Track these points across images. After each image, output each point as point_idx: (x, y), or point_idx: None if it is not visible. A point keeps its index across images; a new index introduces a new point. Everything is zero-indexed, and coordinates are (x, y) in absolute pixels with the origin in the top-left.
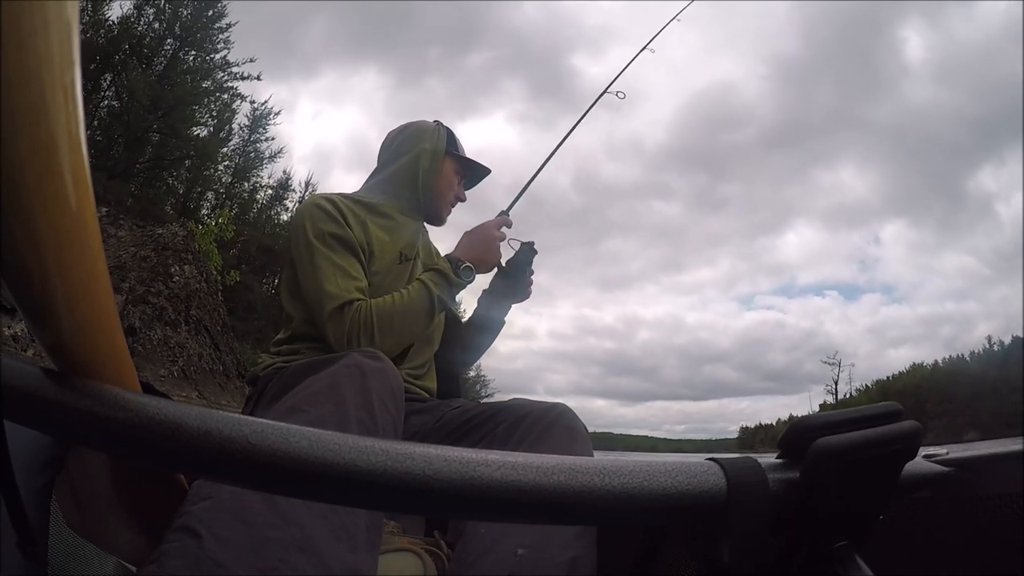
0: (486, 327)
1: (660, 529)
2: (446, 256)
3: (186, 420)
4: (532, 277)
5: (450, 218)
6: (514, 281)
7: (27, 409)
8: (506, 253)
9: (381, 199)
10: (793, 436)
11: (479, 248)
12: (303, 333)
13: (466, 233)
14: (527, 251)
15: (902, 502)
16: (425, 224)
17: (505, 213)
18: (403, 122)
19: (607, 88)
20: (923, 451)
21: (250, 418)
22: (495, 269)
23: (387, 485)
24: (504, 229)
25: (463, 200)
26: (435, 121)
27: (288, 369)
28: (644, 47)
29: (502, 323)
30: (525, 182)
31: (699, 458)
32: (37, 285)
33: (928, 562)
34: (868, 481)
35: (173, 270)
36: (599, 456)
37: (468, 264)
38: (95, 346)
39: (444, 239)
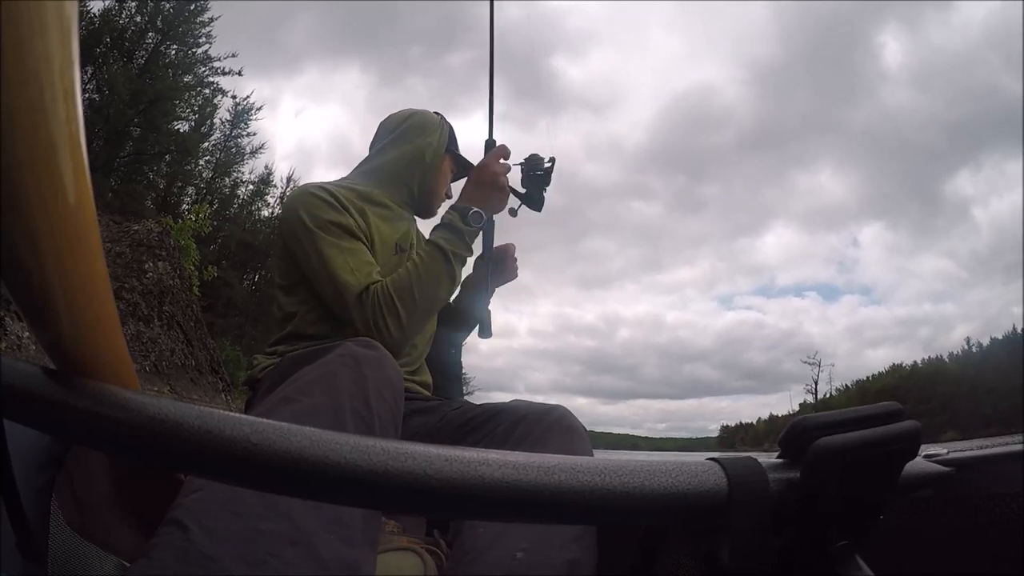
0: (467, 321)
1: (660, 530)
2: (452, 206)
3: (186, 420)
4: (516, 261)
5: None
6: (534, 195)
7: (27, 409)
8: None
9: (375, 187)
10: (793, 436)
11: (486, 187)
12: (305, 332)
13: (468, 179)
14: (535, 162)
15: (902, 502)
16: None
17: (493, 143)
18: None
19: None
20: (923, 451)
21: (251, 418)
22: (507, 204)
23: (388, 485)
24: (503, 162)
25: (451, 198)
26: (437, 113)
27: (283, 361)
28: None
29: (484, 315)
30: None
31: (699, 457)
32: (37, 285)
33: (928, 562)
34: (868, 481)
35: (147, 266)
36: (599, 456)
37: (476, 209)
38: (95, 346)
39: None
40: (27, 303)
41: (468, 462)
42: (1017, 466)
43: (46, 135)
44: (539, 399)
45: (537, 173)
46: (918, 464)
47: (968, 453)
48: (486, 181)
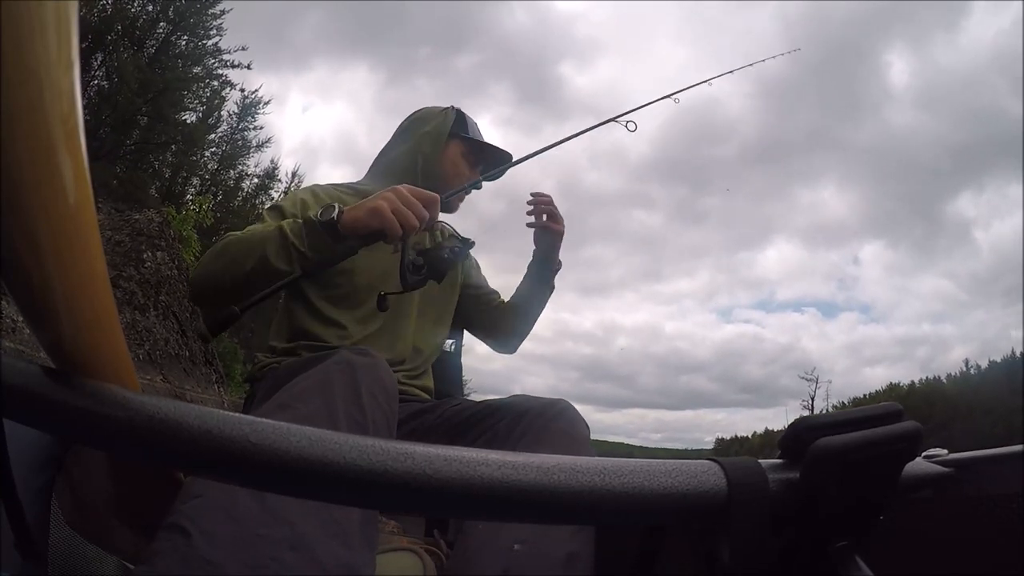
0: (524, 308)
1: (659, 529)
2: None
3: (186, 419)
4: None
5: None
6: (435, 271)
7: (27, 408)
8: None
9: (380, 185)
10: (793, 436)
11: (364, 205)
12: (303, 327)
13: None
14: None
15: (902, 502)
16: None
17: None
18: (391, 119)
19: (618, 116)
20: (923, 452)
21: (251, 417)
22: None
23: (388, 485)
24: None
25: (478, 187)
26: (449, 106)
27: (280, 368)
28: (670, 95)
29: (542, 299)
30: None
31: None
32: (37, 285)
33: (928, 562)
34: (868, 481)
35: (145, 256)
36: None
37: (340, 212)
38: (95, 345)
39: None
40: (27, 303)
41: (467, 462)
42: (1017, 466)
43: (46, 136)
44: (559, 397)
45: (443, 253)
46: (918, 465)
47: (968, 454)
48: (373, 200)
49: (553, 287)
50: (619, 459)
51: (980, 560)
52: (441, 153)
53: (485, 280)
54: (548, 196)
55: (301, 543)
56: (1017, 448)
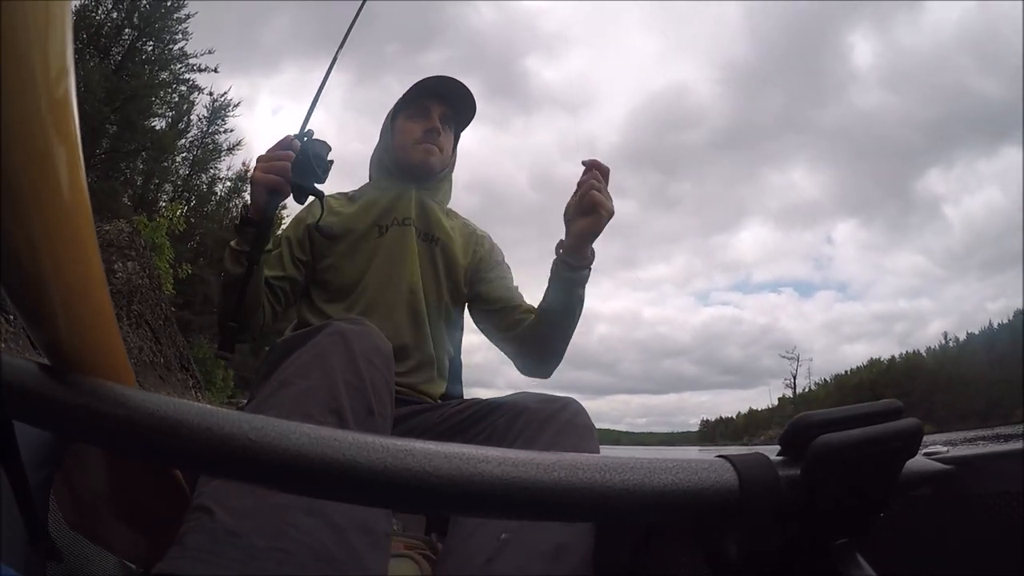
0: (550, 319)
1: (661, 525)
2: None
3: (186, 417)
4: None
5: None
6: (307, 174)
7: (27, 406)
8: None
9: (367, 187)
10: (794, 433)
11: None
12: (302, 319)
13: None
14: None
15: (903, 500)
16: (438, 194)
17: (298, 137)
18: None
19: None
20: (924, 449)
21: (250, 415)
22: (284, 197)
23: (387, 482)
24: (278, 152)
25: (437, 129)
26: None
27: (276, 346)
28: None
29: (569, 303)
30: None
31: (706, 455)
32: (34, 287)
33: (928, 560)
34: (869, 478)
35: (116, 267)
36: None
37: (246, 206)
38: (91, 345)
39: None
40: (25, 304)
41: (467, 459)
42: (1017, 465)
43: (43, 142)
44: (566, 395)
45: (300, 159)
46: (919, 462)
47: (968, 451)
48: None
49: (583, 295)
50: (622, 456)
51: (980, 558)
52: (392, 135)
53: (508, 273)
54: (606, 167)
55: (315, 508)
56: (1018, 446)
